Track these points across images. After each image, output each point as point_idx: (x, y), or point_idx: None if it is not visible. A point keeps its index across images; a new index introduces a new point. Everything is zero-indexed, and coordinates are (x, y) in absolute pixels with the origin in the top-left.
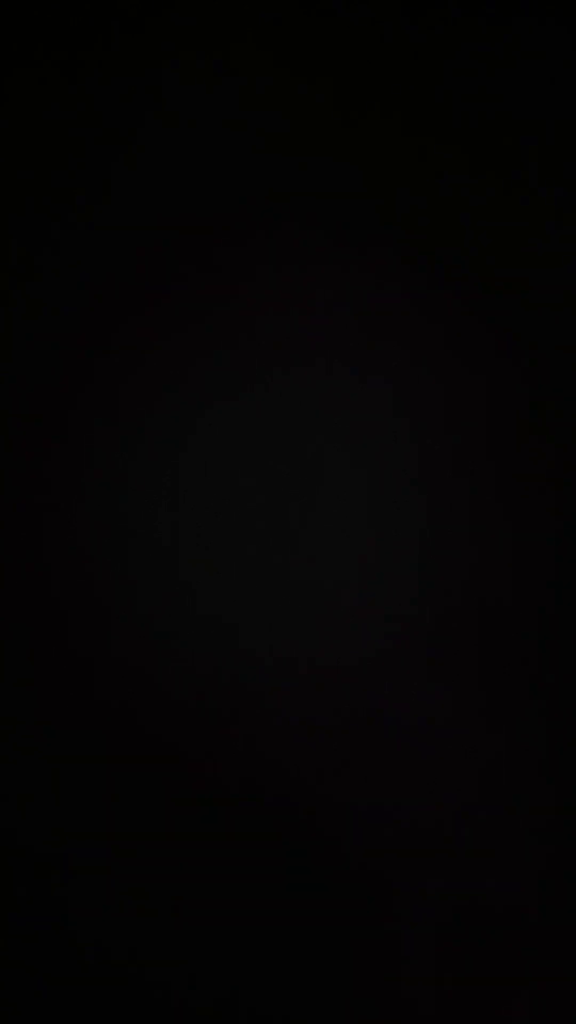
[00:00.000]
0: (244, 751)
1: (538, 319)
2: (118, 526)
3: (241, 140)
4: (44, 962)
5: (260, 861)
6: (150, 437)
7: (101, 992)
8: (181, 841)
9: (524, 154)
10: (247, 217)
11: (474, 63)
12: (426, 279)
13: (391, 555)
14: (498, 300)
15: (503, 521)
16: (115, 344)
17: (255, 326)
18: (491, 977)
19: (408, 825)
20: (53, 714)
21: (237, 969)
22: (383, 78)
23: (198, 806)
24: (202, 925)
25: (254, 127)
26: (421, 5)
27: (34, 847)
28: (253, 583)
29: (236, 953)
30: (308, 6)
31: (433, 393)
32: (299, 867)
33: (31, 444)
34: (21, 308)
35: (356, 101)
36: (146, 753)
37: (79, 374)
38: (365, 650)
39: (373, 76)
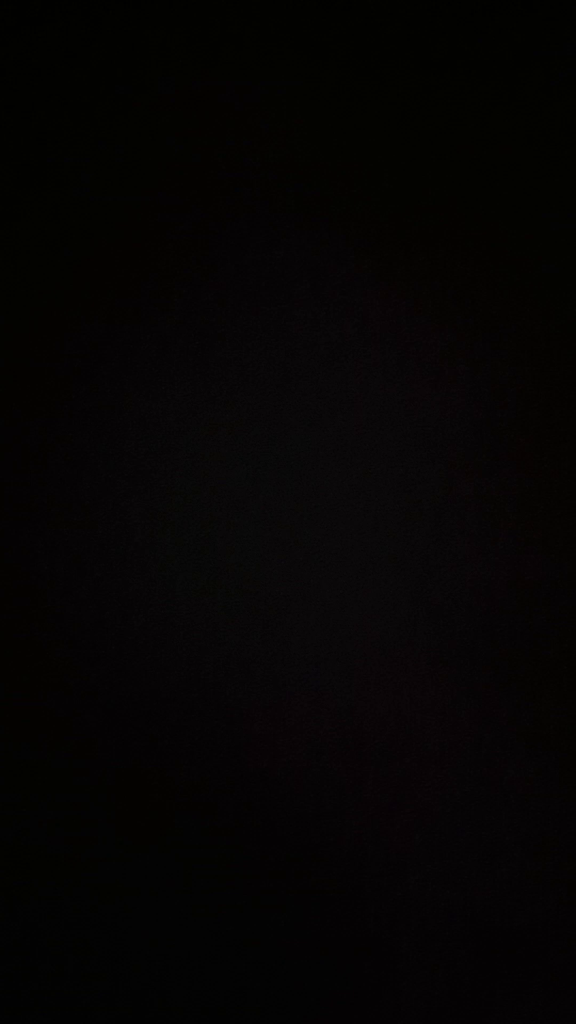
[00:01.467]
0: (240, 761)
1: (537, 327)
2: (112, 535)
3: (240, 143)
4: (41, 979)
5: (259, 869)
6: (147, 442)
7: (97, 1004)
8: (177, 850)
9: (526, 159)
10: (249, 221)
11: (477, 66)
12: (426, 283)
13: (390, 563)
14: (500, 307)
15: (502, 528)
16: (111, 348)
17: (254, 332)
18: (490, 992)
19: (405, 835)
20: (49, 728)
21: (234, 984)
22: (388, 80)
23: (192, 815)
24: (200, 939)
25: (255, 130)
26: (423, 6)
27: (28, 864)
28: (250, 592)
29: (232, 967)
30: (308, 6)
31: (430, 398)
32: (298, 877)
33: (25, 449)
34: (12, 310)
35: (361, 104)
36: (142, 762)
37: (77, 377)
38: (364, 659)
39: (379, 78)
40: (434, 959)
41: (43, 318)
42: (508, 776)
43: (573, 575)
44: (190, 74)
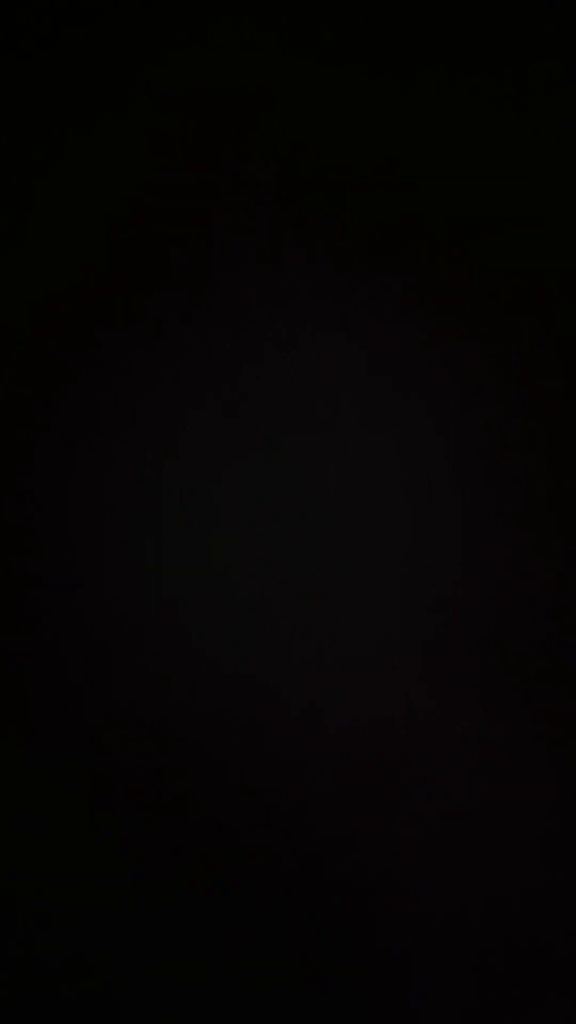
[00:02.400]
0: (238, 780)
1: (534, 340)
2: (107, 553)
3: (241, 146)
4: (40, 1011)
5: (264, 883)
6: (147, 450)
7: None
8: (180, 866)
9: (533, 167)
10: (249, 225)
11: (480, 69)
12: (429, 291)
13: (393, 570)
14: (500, 319)
15: (502, 531)
16: (109, 353)
17: (255, 337)
18: (503, 1004)
19: (409, 844)
20: (50, 753)
21: (239, 1000)
22: (391, 83)
23: (194, 830)
24: (202, 956)
25: (255, 132)
26: (425, 8)
27: (27, 889)
28: (245, 608)
29: (236, 984)
30: (309, 7)
31: (432, 405)
32: (304, 891)
33: (17, 464)
34: (12, 312)
35: (362, 106)
36: (143, 789)
37: (77, 382)
38: (366, 667)
39: (383, 80)
40: (444, 972)
41: (43, 321)
42: (515, 782)
43: (572, 577)
44: (190, 75)
